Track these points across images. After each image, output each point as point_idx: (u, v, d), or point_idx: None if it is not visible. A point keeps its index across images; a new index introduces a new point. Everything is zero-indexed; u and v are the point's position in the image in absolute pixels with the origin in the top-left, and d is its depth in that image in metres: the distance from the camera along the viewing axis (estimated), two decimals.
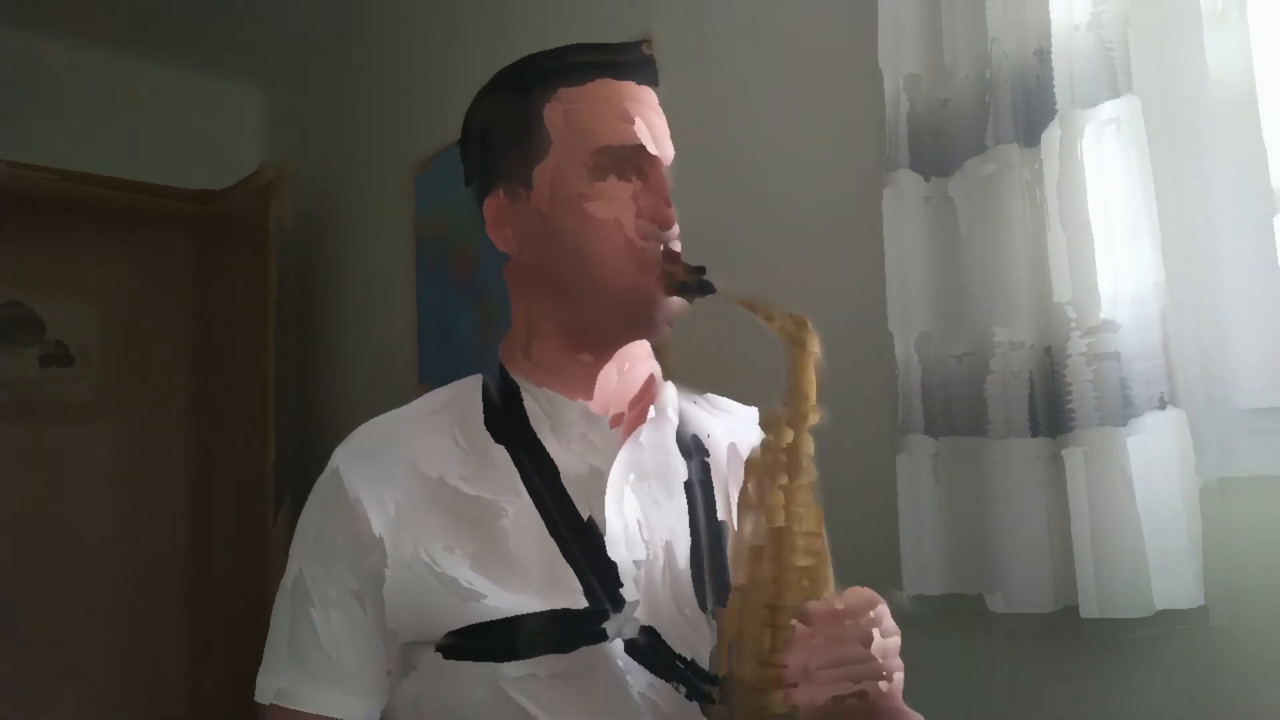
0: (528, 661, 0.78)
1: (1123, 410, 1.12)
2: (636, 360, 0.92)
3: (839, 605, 0.74)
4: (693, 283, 0.83)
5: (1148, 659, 1.17)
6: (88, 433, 2.96)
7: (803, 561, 0.76)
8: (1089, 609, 1.11)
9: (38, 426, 2.89)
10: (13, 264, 2.85)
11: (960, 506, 1.28)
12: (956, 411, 1.29)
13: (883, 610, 0.76)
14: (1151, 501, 1.10)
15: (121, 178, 2.83)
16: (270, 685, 0.83)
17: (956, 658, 1.29)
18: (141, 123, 3.12)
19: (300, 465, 2.70)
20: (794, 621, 0.73)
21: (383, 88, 2.83)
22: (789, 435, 0.77)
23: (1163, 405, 1.11)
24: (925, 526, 1.30)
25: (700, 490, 0.90)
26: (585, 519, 0.83)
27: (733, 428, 0.97)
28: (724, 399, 1.01)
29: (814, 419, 0.78)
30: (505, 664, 0.78)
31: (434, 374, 2.45)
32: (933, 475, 1.30)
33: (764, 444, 0.79)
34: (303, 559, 0.84)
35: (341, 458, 0.86)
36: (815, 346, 0.78)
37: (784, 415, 0.78)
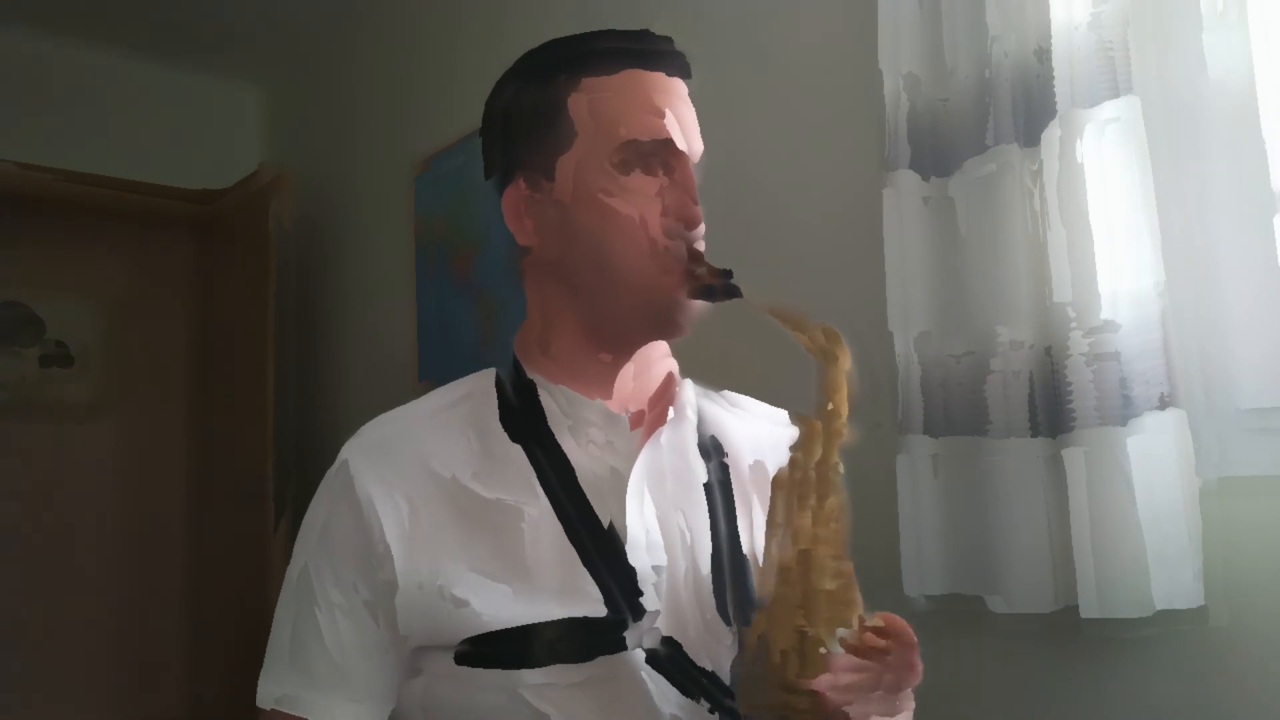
0: (546, 670, 0.76)
1: (1123, 410, 1.11)
2: (655, 359, 0.89)
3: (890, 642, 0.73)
4: (719, 286, 0.80)
5: (1148, 659, 1.17)
6: (88, 433, 2.96)
7: (830, 585, 0.73)
8: (1089, 609, 1.11)
9: (38, 426, 2.88)
10: (13, 264, 2.85)
11: (960, 506, 1.28)
12: (956, 411, 1.29)
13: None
14: (1151, 501, 1.09)
15: (121, 178, 2.83)
16: (271, 691, 0.80)
17: (956, 658, 1.29)
18: (141, 123, 3.12)
19: (300, 465, 2.70)
20: (822, 649, 0.71)
21: (383, 87, 2.82)
22: (818, 452, 0.75)
23: (1163, 405, 1.11)
24: (925, 526, 1.30)
25: (720, 492, 0.88)
26: (606, 524, 0.81)
27: (752, 426, 0.95)
28: (741, 396, 0.99)
29: (846, 436, 0.75)
30: (523, 671, 0.75)
31: (434, 374, 2.45)
32: (933, 475, 1.30)
33: (792, 461, 0.76)
34: (308, 554, 0.82)
35: (352, 451, 0.83)
36: (848, 361, 0.75)
37: (819, 429, 0.75)
